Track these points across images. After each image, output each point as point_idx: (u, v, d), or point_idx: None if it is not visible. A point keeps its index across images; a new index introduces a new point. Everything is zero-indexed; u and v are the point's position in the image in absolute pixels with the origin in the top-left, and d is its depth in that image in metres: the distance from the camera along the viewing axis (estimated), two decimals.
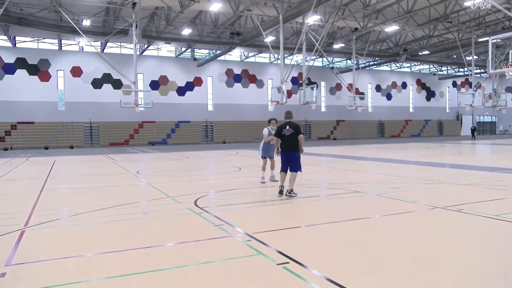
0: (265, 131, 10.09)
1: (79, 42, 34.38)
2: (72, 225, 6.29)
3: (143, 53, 37.27)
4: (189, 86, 39.89)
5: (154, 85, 38.04)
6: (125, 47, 36.79)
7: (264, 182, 10.15)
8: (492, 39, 13.37)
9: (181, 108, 39.06)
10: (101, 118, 35.88)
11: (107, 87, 36.39)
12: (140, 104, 26.64)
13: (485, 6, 10.72)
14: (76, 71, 35.43)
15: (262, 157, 10.41)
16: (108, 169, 15.46)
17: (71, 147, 33.49)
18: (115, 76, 35.12)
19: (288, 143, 8.21)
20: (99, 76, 36.15)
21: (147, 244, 4.97)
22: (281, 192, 8.19)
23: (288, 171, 8.24)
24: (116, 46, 36.77)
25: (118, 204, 7.69)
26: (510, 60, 12.71)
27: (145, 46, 35.78)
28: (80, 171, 14.99)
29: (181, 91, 39.45)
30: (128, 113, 33.68)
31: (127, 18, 26.70)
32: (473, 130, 39.73)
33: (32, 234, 5.64)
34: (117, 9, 25.93)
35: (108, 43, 34.70)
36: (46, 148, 32.50)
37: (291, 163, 8.18)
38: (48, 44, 34.72)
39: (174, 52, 39.76)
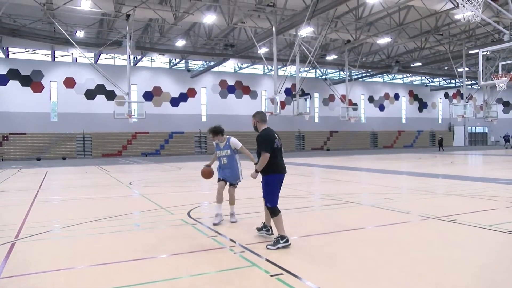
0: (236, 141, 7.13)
1: (72, 53, 34.36)
2: (64, 237, 6.21)
3: (137, 64, 37.32)
4: (183, 97, 39.93)
5: (148, 96, 38.04)
6: (119, 58, 36.82)
7: (216, 224, 6.61)
8: (482, 52, 13.57)
9: (175, 119, 39.03)
10: (94, 129, 35.72)
11: (100, 98, 36.31)
12: (134, 115, 26.57)
13: (475, 19, 10.90)
14: (69, 82, 35.35)
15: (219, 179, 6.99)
16: (101, 180, 15.34)
17: (64, 158, 33.24)
18: (108, 87, 35.09)
19: (282, 161, 5.58)
20: (93, 87, 36.09)
21: (139, 256, 4.92)
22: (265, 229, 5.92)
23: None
24: (110, 57, 36.80)
25: (110, 216, 7.62)
26: (500, 72, 12.90)
27: (139, 57, 35.84)
28: (72, 183, 14.86)
29: (174, 102, 39.46)
30: (121, 124, 33.58)
31: (121, 30, 26.77)
32: (440, 141, 39.75)
33: (22, 246, 5.56)
34: (111, 21, 26.01)
35: (101, 54, 34.72)
36: (38, 159, 32.22)
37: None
38: (41, 55, 34.66)
39: (167, 63, 39.86)
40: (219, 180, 6.90)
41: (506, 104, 56.07)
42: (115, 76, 30.06)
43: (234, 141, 6.74)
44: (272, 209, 5.34)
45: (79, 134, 35.39)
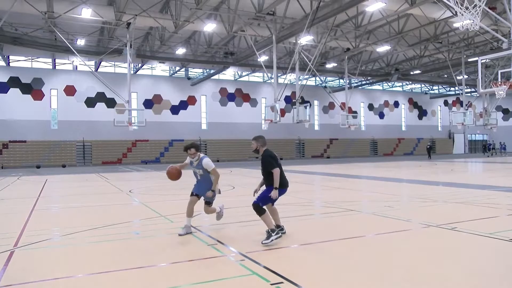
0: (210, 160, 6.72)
1: (73, 61, 34.49)
2: (63, 245, 6.19)
3: (137, 72, 37.44)
4: (183, 105, 40.00)
5: (148, 104, 38.11)
6: (119, 66, 36.95)
7: (181, 235, 6.41)
8: (481, 60, 13.63)
9: (175, 127, 39.07)
10: (94, 137, 35.73)
11: (100, 106, 36.38)
12: (134, 123, 26.59)
13: (473, 27, 10.95)
14: (70, 90, 35.44)
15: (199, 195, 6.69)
16: (101, 188, 15.32)
17: (64, 166, 33.20)
18: (108, 95, 35.18)
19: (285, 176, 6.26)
20: (93, 95, 36.17)
21: (139, 264, 4.89)
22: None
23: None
24: (110, 66, 36.93)
25: (110, 224, 7.59)
26: (499, 80, 12.94)
27: (139, 65, 35.97)
28: (72, 190, 14.83)
29: (174, 109, 39.53)
30: (121, 132, 33.59)
31: (121, 38, 26.89)
32: (429, 149, 39.33)
33: (21, 254, 5.54)
34: (111, 29, 26.14)
35: (102, 62, 34.85)
36: (38, 167, 32.19)
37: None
38: (42, 63, 34.79)
39: (168, 71, 39.99)
40: (191, 194, 6.65)
41: (505, 111, 56.15)
42: (115, 84, 30.13)
43: (206, 162, 6.46)
44: (259, 208, 5.90)
45: (79, 141, 35.39)
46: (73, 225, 7.56)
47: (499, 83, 12.82)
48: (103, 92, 35.70)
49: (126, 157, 37.14)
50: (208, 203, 6.73)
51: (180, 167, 6.76)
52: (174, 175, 6.71)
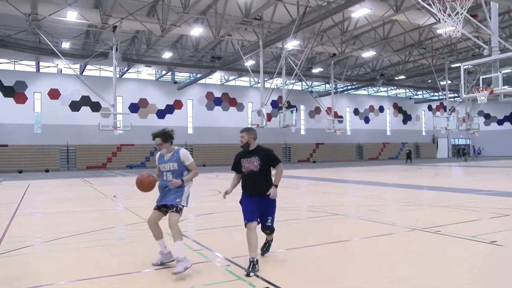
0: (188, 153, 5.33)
1: (57, 64, 34.06)
2: (46, 251, 6.08)
3: (123, 76, 37.15)
4: (169, 109, 39.80)
5: (134, 108, 37.81)
6: (105, 70, 36.62)
7: (155, 264, 5.03)
8: (464, 65, 13.89)
9: None
10: (78, 141, 35.27)
11: (85, 109, 35.96)
12: (119, 127, 26.34)
13: (456, 34, 11.18)
14: (54, 94, 34.96)
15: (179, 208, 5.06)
16: (85, 193, 15.12)
17: (47, 171, 32.67)
18: (93, 98, 34.79)
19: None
20: (78, 98, 35.74)
21: (124, 271, 4.83)
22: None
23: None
24: (96, 69, 36.57)
25: (94, 230, 7.49)
26: (481, 86, 13.21)
27: (125, 69, 35.70)
28: (55, 195, 14.60)
29: (161, 114, 39.29)
30: (106, 136, 33.20)
31: (107, 41, 26.67)
32: (408, 154, 39.66)
33: (1, 262, 5.42)
34: (97, 32, 25.91)
35: (87, 65, 34.48)
36: (20, 171, 31.61)
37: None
38: (25, 66, 34.27)
39: (154, 75, 39.77)
40: (154, 208, 5.12)
41: (487, 116, 57.25)
42: (100, 87, 29.83)
43: (185, 153, 5.11)
44: (273, 229, 5.16)
45: (63, 146, 34.90)
46: (56, 231, 7.44)
47: (481, 88, 13.09)
48: (88, 96, 35.30)
49: (111, 161, 36.74)
50: (175, 209, 4.87)
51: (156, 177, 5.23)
52: (143, 186, 5.20)
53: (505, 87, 12.75)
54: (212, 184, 17.72)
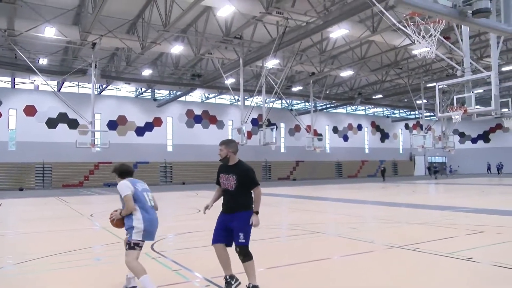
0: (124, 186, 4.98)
1: (34, 80, 33.48)
2: (18, 273, 5.85)
3: (102, 93, 36.76)
4: (149, 127, 39.46)
5: (112, 125, 37.35)
6: (83, 87, 36.19)
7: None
8: (439, 85, 14.29)
9: (140, 149, 38.36)
10: (54, 159, 34.48)
11: (62, 126, 35.31)
12: (97, 145, 25.92)
13: (430, 55, 11.56)
14: (30, 110, 34.26)
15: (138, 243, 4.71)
16: (60, 212, 14.71)
17: (21, 189, 31.72)
18: (71, 115, 34.24)
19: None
20: (55, 115, 35.11)
21: None
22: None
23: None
24: (74, 86, 36.10)
25: (69, 250, 7.27)
26: (455, 105, 13.61)
27: (104, 86, 35.36)
28: (28, 215, 14.15)
29: (140, 131, 38.91)
30: (83, 154, 32.59)
31: (86, 58, 26.41)
32: (383, 172, 39.86)
33: None
34: (76, 49, 25.66)
35: (65, 82, 34.00)
36: None
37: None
38: (0, 82, 33.56)
39: (133, 92, 39.51)
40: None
41: (462, 135, 58.81)
42: (78, 104, 29.38)
43: (119, 186, 4.92)
44: (247, 252, 4.58)
45: (39, 164, 34.05)
46: (29, 252, 7.19)
47: (455, 108, 13.48)
48: (66, 113, 34.73)
49: (88, 179, 36.00)
50: (128, 247, 4.63)
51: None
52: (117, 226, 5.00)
53: (478, 106, 13.16)
54: (191, 202, 17.52)
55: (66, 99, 26.17)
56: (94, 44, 22.44)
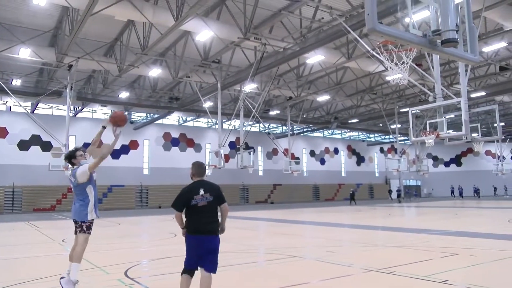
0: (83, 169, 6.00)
1: (6, 102, 32.73)
2: None
3: (77, 115, 36.19)
4: (124, 149, 38.91)
5: (87, 147, 36.55)
6: (58, 109, 35.57)
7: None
8: (412, 110, 14.69)
9: (115, 172, 37.63)
10: (25, 182, 33.42)
11: (35, 149, 34.42)
12: (71, 167, 25.32)
13: (403, 81, 11.95)
14: (1, 132, 33.34)
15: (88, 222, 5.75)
16: (29, 237, 14.18)
17: None
18: (44, 138, 33.48)
19: (206, 220, 4.78)
20: (27, 137, 34.24)
21: None
22: None
23: (202, 271, 4.75)
24: (48, 107, 35.45)
25: (39, 277, 6.99)
26: (428, 130, 14.01)
27: (80, 108, 34.85)
28: None
29: (115, 154, 38.28)
30: (56, 177, 31.70)
31: (61, 80, 26.09)
32: (352, 195, 40.19)
33: None
34: (51, 70, 25.34)
35: (39, 104, 33.36)
36: None
37: (212, 254, 4.76)
38: None
39: (110, 114, 39.04)
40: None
41: (435, 159, 60.28)
42: (53, 126, 28.76)
43: (83, 167, 5.43)
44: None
45: (8, 187, 32.92)
46: None
47: (428, 132, 13.85)
48: (39, 135, 33.95)
49: (61, 203, 34.96)
50: (80, 228, 5.40)
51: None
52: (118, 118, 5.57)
53: (450, 131, 13.56)
54: (168, 227, 17.19)
55: (39, 121, 25.62)
56: (70, 66, 22.21)
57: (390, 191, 50.48)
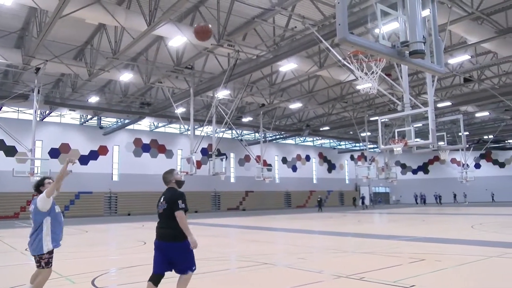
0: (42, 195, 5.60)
1: None
2: None
3: (44, 120, 35.12)
4: (93, 155, 38.00)
5: (54, 153, 35.60)
6: (24, 112, 34.42)
7: None
8: (381, 119, 15.03)
9: (83, 178, 36.64)
10: None
11: None
12: (36, 173, 24.49)
13: (372, 91, 12.25)
14: None
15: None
16: None
17: None
18: (8, 142, 32.29)
19: (159, 225, 5.13)
20: None
21: None
22: None
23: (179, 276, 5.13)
24: (13, 111, 34.26)
25: None
26: (396, 138, 14.35)
27: (47, 112, 33.85)
28: None
29: (84, 160, 37.32)
30: (21, 183, 30.53)
31: (28, 83, 25.28)
32: (319, 202, 40.55)
33: None
34: (17, 73, 24.52)
35: (3, 107, 32.19)
36: None
37: (176, 261, 5.02)
38: None
39: (78, 119, 38.11)
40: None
41: (403, 166, 61.84)
42: (18, 131, 27.80)
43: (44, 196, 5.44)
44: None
45: None
46: None
47: (396, 140, 14.19)
48: (3, 140, 32.71)
49: (25, 210, 33.66)
50: (37, 262, 5.29)
51: None
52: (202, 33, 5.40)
53: (417, 139, 13.95)
54: (137, 234, 16.86)
55: (4, 125, 24.73)
56: (38, 69, 21.57)
57: (354, 199, 51.41)
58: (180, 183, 5.27)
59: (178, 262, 4.96)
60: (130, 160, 39.95)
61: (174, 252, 4.92)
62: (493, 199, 52.87)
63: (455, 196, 52.60)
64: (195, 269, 5.08)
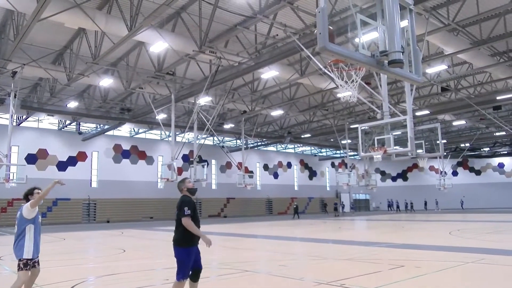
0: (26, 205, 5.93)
1: None
2: None
3: (21, 124, 34.31)
4: (72, 161, 37.29)
5: (31, 158, 34.79)
6: (0, 117, 33.58)
7: None
8: (361, 127, 15.23)
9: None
10: None
11: None
12: (12, 180, 23.88)
13: (353, 99, 12.43)
14: None
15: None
16: None
17: None
18: None
19: (174, 230, 5.83)
20: None
21: None
22: None
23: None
24: None
25: None
26: (376, 145, 14.55)
27: (24, 117, 33.10)
28: None
29: (62, 166, 36.58)
30: None
31: (4, 87, 24.72)
32: (295, 209, 40.35)
33: None
34: None
35: None
36: None
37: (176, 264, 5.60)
38: None
39: (56, 124, 37.39)
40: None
41: (383, 173, 62.70)
42: None
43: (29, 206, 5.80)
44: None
45: None
46: None
47: (376, 148, 14.38)
48: None
49: (0, 218, 32.77)
50: (18, 266, 5.59)
51: None
52: None
53: (397, 147, 14.18)
54: (116, 242, 16.57)
55: None
56: (14, 73, 21.10)
57: (325, 205, 51.82)
58: (192, 190, 5.63)
59: (177, 264, 5.39)
60: (109, 166, 39.34)
61: (175, 255, 5.41)
62: (462, 206, 54.00)
63: (425, 203, 53.58)
64: (181, 280, 5.35)
